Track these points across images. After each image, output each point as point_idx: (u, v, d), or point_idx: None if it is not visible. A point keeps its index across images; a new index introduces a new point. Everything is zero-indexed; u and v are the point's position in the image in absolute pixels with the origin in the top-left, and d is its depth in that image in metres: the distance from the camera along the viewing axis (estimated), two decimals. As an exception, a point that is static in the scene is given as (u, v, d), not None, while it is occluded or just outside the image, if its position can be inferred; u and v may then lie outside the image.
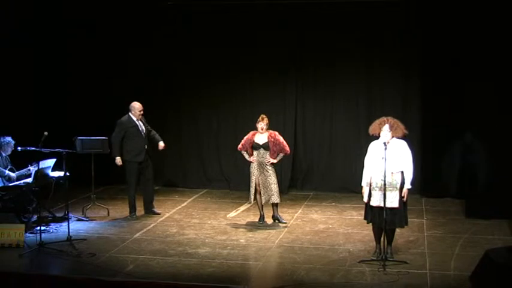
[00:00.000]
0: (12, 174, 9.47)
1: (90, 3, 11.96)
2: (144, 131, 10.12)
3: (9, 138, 9.57)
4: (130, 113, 10.09)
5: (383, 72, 11.58)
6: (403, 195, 7.78)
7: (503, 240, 8.74)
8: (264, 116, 9.54)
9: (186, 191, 11.87)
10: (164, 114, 12.23)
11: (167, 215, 10.29)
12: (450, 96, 10.99)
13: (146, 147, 10.08)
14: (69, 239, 8.54)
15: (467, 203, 10.22)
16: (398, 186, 7.76)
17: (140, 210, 10.25)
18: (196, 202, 11.25)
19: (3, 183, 9.37)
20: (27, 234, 8.71)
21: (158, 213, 10.24)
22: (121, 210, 10.50)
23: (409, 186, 7.83)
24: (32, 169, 9.33)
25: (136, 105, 10.09)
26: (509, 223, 9.45)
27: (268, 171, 9.50)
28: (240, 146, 9.71)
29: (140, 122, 10.11)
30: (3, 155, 9.56)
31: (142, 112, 10.11)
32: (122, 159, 10.03)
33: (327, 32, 11.60)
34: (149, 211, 10.25)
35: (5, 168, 9.49)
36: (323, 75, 11.83)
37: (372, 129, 7.89)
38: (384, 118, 7.85)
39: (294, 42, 11.80)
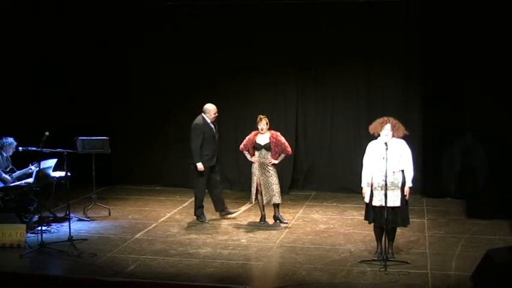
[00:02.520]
0: (8, 177, 9.45)
1: (89, 3, 11.96)
2: (217, 135, 9.85)
3: (11, 139, 9.57)
4: (204, 115, 9.70)
5: (383, 72, 11.57)
6: (405, 193, 7.80)
7: (504, 240, 8.74)
8: (263, 117, 9.52)
9: (187, 191, 11.80)
10: (164, 114, 12.23)
11: (168, 215, 10.30)
12: (450, 96, 11.00)
13: (217, 150, 9.83)
14: (70, 239, 8.53)
15: (467, 203, 10.23)
16: (400, 185, 7.77)
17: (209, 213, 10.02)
18: (197, 202, 11.26)
19: (3, 183, 9.38)
20: (28, 234, 8.72)
21: (232, 213, 10.04)
22: (122, 210, 10.52)
23: (410, 185, 7.85)
24: (33, 169, 9.34)
25: (211, 108, 9.69)
26: (510, 223, 9.46)
27: (269, 172, 9.50)
28: (241, 146, 9.70)
29: (213, 125, 9.77)
30: (4, 155, 9.56)
31: (217, 114, 9.74)
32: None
33: (328, 32, 11.60)
34: (225, 212, 10.01)
35: (6, 169, 9.50)
36: (323, 75, 11.81)
37: (373, 128, 7.89)
38: (386, 118, 7.85)
39: (294, 42, 11.79)
